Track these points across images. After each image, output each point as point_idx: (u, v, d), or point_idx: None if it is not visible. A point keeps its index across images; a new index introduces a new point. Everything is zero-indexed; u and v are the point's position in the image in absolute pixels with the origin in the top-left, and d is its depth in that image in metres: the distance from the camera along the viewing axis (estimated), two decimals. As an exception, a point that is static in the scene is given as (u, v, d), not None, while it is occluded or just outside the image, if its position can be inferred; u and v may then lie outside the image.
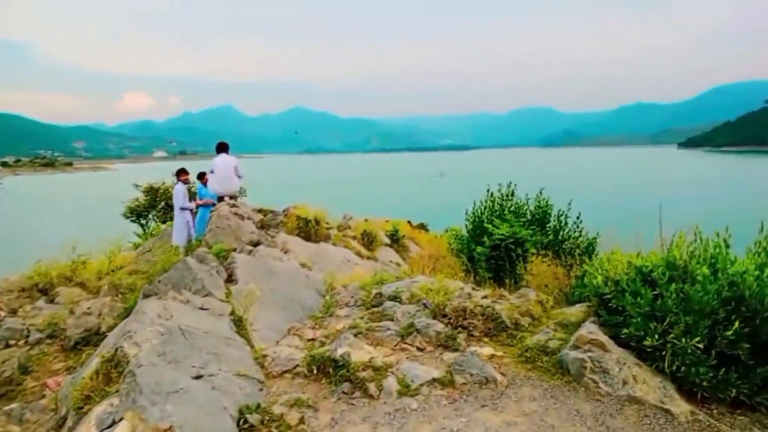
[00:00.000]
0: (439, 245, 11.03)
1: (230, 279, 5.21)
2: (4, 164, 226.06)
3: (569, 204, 8.57)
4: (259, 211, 9.65)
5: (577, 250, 8.10)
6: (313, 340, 4.08)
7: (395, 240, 14.02)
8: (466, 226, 9.01)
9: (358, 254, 9.47)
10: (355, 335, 3.83)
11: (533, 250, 7.22)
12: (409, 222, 27.84)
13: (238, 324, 4.11)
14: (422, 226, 29.59)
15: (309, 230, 8.90)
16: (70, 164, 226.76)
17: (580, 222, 8.43)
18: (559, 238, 8.12)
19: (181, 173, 10.44)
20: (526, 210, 8.51)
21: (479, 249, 7.41)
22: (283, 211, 9.95)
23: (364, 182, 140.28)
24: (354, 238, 10.65)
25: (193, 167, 11.51)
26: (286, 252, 7.34)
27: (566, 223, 8.49)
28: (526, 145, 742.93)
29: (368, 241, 10.69)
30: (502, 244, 7.19)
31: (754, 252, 3.37)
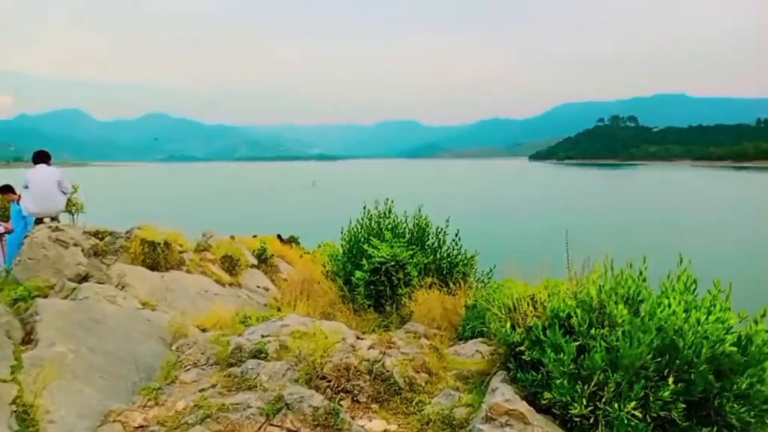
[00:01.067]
0: (313, 266, 10.09)
1: (29, 339, 3.82)
2: None
3: (447, 221, 8.20)
4: (95, 234, 7.93)
5: (456, 268, 7.76)
6: (143, 428, 2.94)
7: (263, 260, 12.81)
8: (342, 246, 8.21)
9: (219, 281, 8.20)
10: (202, 420, 2.79)
11: (414, 273, 6.65)
12: (279, 236, 26.45)
13: (24, 416, 2.84)
14: (293, 240, 28.35)
15: (157, 256, 7.45)
16: None
17: (459, 239, 8.09)
18: (438, 256, 7.67)
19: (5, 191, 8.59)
20: (404, 228, 7.94)
21: (358, 273, 6.65)
22: (126, 233, 8.33)
23: (232, 193, 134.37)
24: (214, 261, 9.31)
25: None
26: (123, 288, 5.92)
27: (444, 241, 8.12)
28: (392, 156, 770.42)
29: (231, 264, 9.41)
30: (382, 268, 6.51)
31: (673, 288, 2.95)
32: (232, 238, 19.15)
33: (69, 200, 12.48)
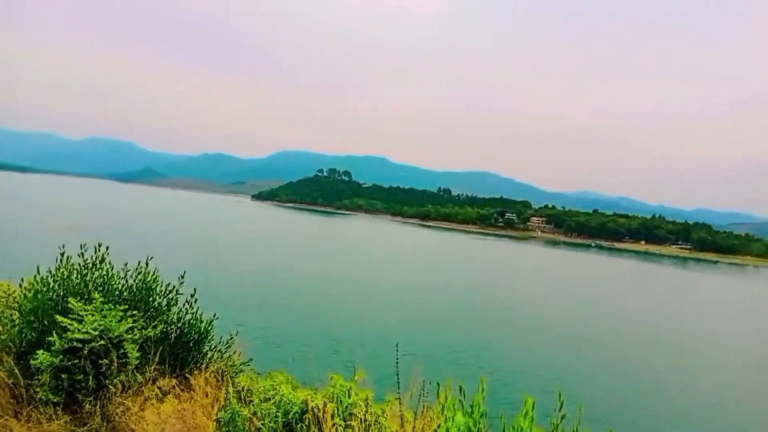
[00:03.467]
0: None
1: None
2: None
3: (182, 277, 6.55)
4: None
5: (188, 338, 6.20)
6: None
7: None
8: (21, 305, 5.68)
9: None
10: None
11: (135, 354, 4.85)
12: None
13: None
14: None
15: None
16: None
17: (195, 300, 6.51)
18: (168, 325, 5.93)
19: None
20: (122, 286, 5.96)
21: (43, 356, 4.48)
22: None
23: None
24: None
25: None
26: None
27: (176, 301, 6.44)
28: (103, 176, 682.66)
29: None
30: (85, 349, 4.54)
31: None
32: None
33: None
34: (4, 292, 12.37)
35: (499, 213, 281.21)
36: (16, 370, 4.76)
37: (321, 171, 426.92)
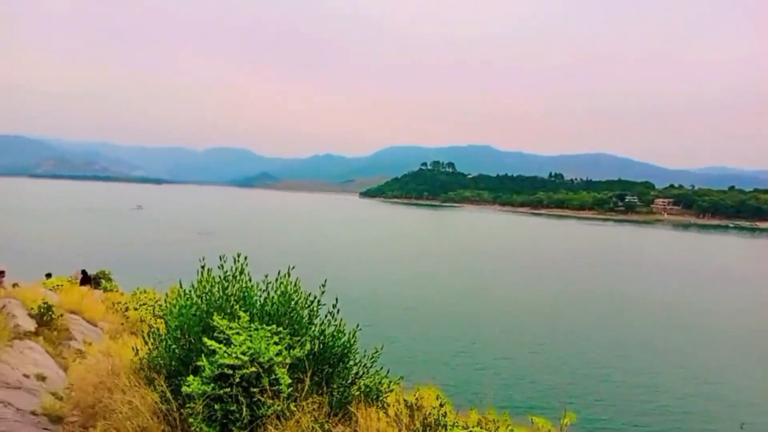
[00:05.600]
0: (122, 346, 6.94)
1: None
2: None
3: (323, 286, 6.03)
4: None
5: (332, 352, 5.64)
6: None
7: (46, 323, 9.20)
8: (168, 325, 5.49)
9: (-57, 386, 4.91)
10: None
11: (287, 380, 4.35)
12: (83, 273, 21.40)
13: None
14: (103, 278, 23.29)
15: None
16: None
17: (337, 311, 5.95)
18: (316, 341, 5.42)
19: None
20: (265, 299, 5.55)
21: (194, 384, 4.11)
22: None
23: (38, 213, 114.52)
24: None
25: None
26: None
27: (317, 314, 5.92)
28: (224, 183, 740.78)
29: (-23, 347, 6.01)
30: (236, 375, 4.11)
31: None
32: (14, 286, 14.39)
33: None
34: (151, 299, 13.00)
35: (618, 196, 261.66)
36: (169, 395, 4.49)
37: (425, 164, 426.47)
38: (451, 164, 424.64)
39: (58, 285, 15.09)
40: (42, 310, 9.27)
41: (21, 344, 7.53)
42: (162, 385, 4.65)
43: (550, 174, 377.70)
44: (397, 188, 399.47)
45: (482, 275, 58.25)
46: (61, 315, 9.69)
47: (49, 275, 20.11)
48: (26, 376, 6.51)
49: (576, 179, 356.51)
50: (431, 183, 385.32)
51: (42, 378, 6.70)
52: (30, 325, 8.60)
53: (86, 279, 20.73)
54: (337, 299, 6.00)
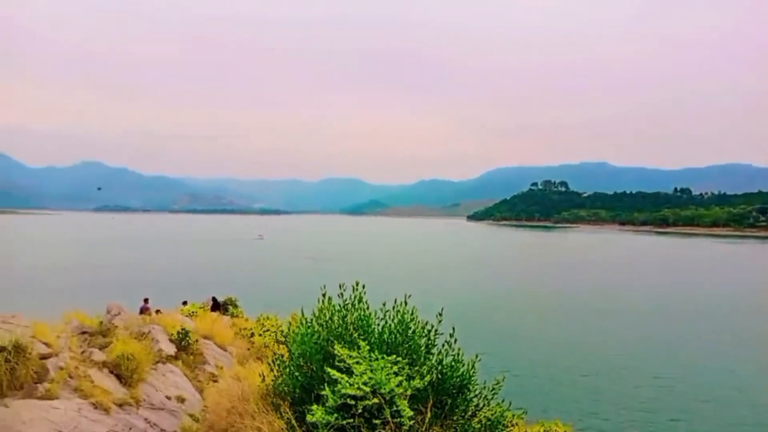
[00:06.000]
0: (249, 372, 7.31)
1: None
2: None
3: (440, 314, 5.86)
4: None
5: (450, 383, 5.41)
6: None
7: (184, 347, 9.94)
8: (291, 349, 5.64)
9: (101, 405, 5.41)
10: None
11: (408, 412, 4.23)
12: (213, 300, 23.09)
13: None
14: (230, 304, 24.92)
15: (-5, 373, 4.65)
16: None
17: (454, 340, 5.72)
18: (434, 371, 5.25)
19: None
20: (383, 328, 5.51)
21: (318, 413, 4.13)
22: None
23: (170, 243, 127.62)
24: (102, 365, 6.49)
25: None
26: None
27: (434, 343, 5.75)
28: (336, 211, 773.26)
29: (127, 369, 6.60)
30: (359, 406, 4.07)
31: None
32: (157, 312, 15.92)
33: None
34: (273, 325, 13.60)
35: (760, 210, 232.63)
36: (294, 422, 4.56)
37: (535, 184, 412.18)
38: (563, 183, 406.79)
39: (192, 312, 16.42)
40: (180, 335, 10.06)
41: (163, 368, 8.18)
42: (287, 413, 4.75)
43: (675, 189, 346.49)
44: (506, 210, 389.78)
45: (625, 315, 50.86)
46: (197, 340, 10.44)
47: (185, 303, 21.99)
48: (168, 397, 7.04)
49: (706, 193, 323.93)
50: (542, 203, 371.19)
51: (181, 400, 7.20)
52: (170, 349, 9.34)
53: (216, 305, 22.35)
54: (453, 328, 5.82)
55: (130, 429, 5.35)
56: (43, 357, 5.48)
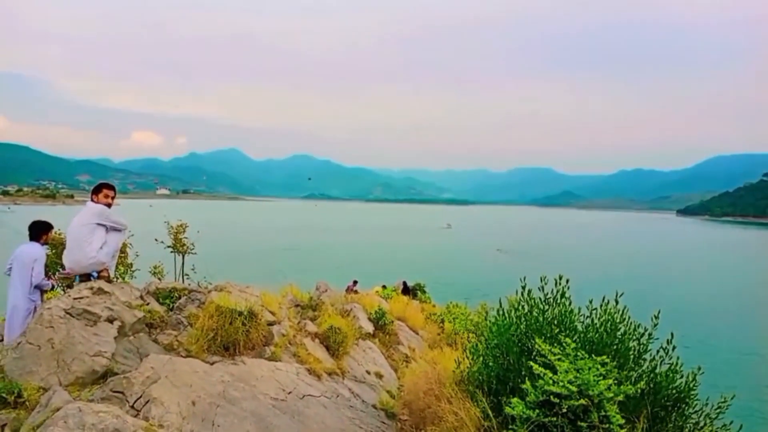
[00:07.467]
0: (441, 355, 7.50)
1: None
2: (5, 193, 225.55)
3: (656, 317, 5.20)
4: (169, 293, 6.27)
5: (664, 395, 4.77)
6: None
7: (381, 326, 10.58)
8: (487, 339, 5.58)
9: (314, 372, 6.03)
10: None
11: (619, 419, 3.84)
12: (404, 284, 24.24)
13: None
14: (419, 289, 25.94)
15: (234, 332, 5.49)
16: (71, 196, 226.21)
17: (673, 348, 5.03)
18: (652, 386, 4.69)
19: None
20: (587, 327, 5.10)
21: (518, 407, 3.99)
22: (209, 291, 6.59)
23: (369, 231, 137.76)
24: (314, 336, 7.23)
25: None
26: (143, 405, 3.79)
27: (647, 347, 5.13)
28: (525, 203, 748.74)
29: (335, 341, 7.24)
30: (564, 406, 3.82)
31: None
32: (354, 291, 17.36)
33: (179, 241, 11.40)
34: (462, 313, 13.69)
35: None
36: (490, 413, 4.50)
37: (767, 174, 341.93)
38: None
39: (388, 295, 17.42)
40: (378, 315, 10.74)
41: (363, 344, 8.81)
42: (483, 402, 4.71)
43: None
44: (728, 204, 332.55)
45: None
46: (392, 321, 11.02)
47: (384, 287, 23.47)
48: (368, 372, 7.55)
49: None
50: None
51: (379, 376, 7.67)
52: (369, 327, 10.01)
53: (406, 289, 23.42)
54: (672, 334, 5.13)
55: (338, 396, 5.85)
56: (270, 323, 6.28)
